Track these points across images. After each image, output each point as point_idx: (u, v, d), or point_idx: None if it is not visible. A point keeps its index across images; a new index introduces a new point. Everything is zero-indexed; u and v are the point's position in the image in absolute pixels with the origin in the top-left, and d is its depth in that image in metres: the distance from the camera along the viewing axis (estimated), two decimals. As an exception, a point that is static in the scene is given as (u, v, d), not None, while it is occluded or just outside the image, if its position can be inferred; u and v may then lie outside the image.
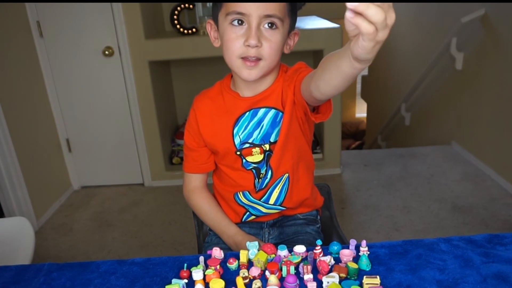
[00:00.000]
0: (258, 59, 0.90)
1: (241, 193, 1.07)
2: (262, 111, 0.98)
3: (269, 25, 0.88)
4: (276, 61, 0.93)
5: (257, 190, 1.05)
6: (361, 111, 8.99)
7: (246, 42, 0.87)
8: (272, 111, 0.98)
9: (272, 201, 1.06)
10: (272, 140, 0.99)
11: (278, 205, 1.07)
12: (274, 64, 0.93)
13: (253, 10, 0.85)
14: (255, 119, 0.99)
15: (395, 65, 5.04)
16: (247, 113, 0.99)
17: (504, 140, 2.67)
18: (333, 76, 0.71)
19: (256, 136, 0.99)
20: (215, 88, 1.06)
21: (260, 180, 1.04)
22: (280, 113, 0.97)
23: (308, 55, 3.08)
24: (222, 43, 0.93)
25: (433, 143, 3.60)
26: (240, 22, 0.88)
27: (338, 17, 5.18)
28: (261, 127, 0.99)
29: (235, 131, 1.00)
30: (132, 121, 2.82)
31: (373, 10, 0.49)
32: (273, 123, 0.98)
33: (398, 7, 4.66)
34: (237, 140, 1.00)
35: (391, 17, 0.52)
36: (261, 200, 1.06)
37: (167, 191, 2.88)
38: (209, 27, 0.98)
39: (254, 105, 0.99)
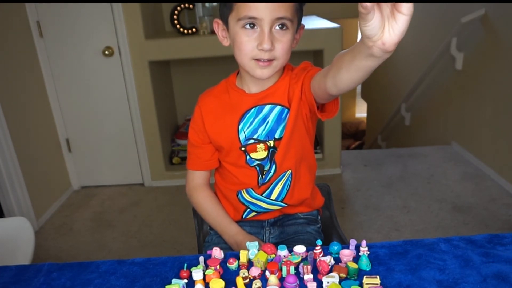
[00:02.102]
0: (272, 60, 0.91)
1: (244, 190, 1.07)
2: (267, 107, 0.99)
3: (280, 26, 0.89)
4: (287, 59, 0.95)
5: (259, 185, 1.05)
6: (361, 111, 8.98)
7: (260, 46, 0.89)
8: (278, 108, 0.99)
9: (273, 196, 1.07)
10: (276, 136, 1.00)
11: (280, 201, 1.07)
12: (286, 62, 0.95)
13: (265, 15, 0.86)
14: (261, 115, 1.00)
15: (395, 65, 5.04)
16: (253, 109, 1.00)
17: (504, 140, 2.67)
18: (355, 73, 0.72)
19: (261, 132, 1.00)
20: (221, 86, 1.07)
21: (263, 176, 1.05)
22: (286, 110, 0.98)
23: (308, 55, 3.08)
24: (233, 44, 0.94)
25: (433, 143, 3.60)
26: (252, 25, 0.89)
27: (338, 17, 5.18)
28: (266, 123, 1.00)
29: (240, 127, 1.01)
30: (132, 121, 2.82)
31: None
32: (278, 120, 0.99)
33: (398, 7, 4.64)
34: (242, 136, 1.01)
35: None
36: (263, 195, 1.07)
37: (167, 191, 2.88)
38: (217, 26, 0.98)
39: (260, 101, 1.00)
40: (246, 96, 1.01)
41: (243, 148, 1.02)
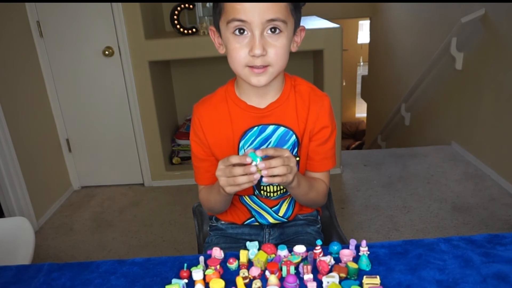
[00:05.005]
0: (266, 66, 0.86)
1: (246, 196, 1.07)
2: (271, 128, 0.97)
3: (273, 30, 0.83)
4: (285, 64, 0.90)
5: (255, 193, 1.05)
6: (361, 111, 8.99)
7: (251, 52, 0.83)
8: (282, 129, 0.97)
9: (281, 213, 1.09)
10: None
11: (285, 218, 1.10)
12: (283, 68, 0.91)
13: (255, 17, 0.81)
14: (263, 135, 0.98)
15: (395, 65, 5.04)
16: (255, 127, 0.97)
17: (504, 140, 2.67)
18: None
19: None
20: (218, 95, 1.01)
21: (258, 186, 1.04)
22: (290, 132, 0.98)
23: (308, 55, 3.08)
24: (226, 51, 0.90)
25: (433, 143, 3.60)
26: (242, 30, 0.84)
27: (338, 17, 5.18)
28: (268, 143, 0.98)
29: (241, 144, 0.99)
30: (132, 121, 2.82)
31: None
32: (281, 141, 0.98)
33: (398, 7, 4.65)
34: (241, 153, 0.99)
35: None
36: (272, 209, 1.07)
37: (167, 191, 2.88)
38: (212, 34, 0.94)
39: (263, 120, 0.97)
40: (248, 111, 0.97)
41: None
